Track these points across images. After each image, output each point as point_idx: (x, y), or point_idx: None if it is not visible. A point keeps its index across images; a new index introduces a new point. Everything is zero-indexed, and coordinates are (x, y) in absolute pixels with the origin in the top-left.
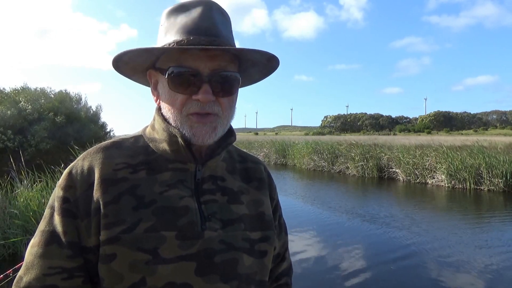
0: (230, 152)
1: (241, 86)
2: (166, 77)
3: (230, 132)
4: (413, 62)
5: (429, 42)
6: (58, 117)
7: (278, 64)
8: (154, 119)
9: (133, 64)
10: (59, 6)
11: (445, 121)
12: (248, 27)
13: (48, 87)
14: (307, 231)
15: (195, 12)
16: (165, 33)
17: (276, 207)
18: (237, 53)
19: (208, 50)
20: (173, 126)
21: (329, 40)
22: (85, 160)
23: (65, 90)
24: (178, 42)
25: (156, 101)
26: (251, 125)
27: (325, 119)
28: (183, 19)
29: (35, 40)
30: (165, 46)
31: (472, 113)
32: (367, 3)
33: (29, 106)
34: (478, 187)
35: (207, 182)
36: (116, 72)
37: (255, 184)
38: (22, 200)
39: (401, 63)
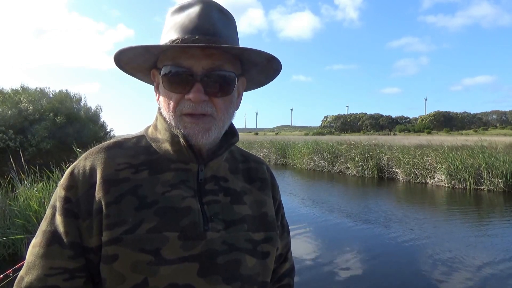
0: (232, 152)
1: (248, 89)
2: (160, 76)
3: (233, 133)
4: (411, 62)
5: (426, 42)
6: (59, 117)
7: (280, 65)
8: (156, 119)
9: (134, 65)
10: (53, 6)
11: (445, 121)
12: (244, 27)
13: (47, 87)
14: (307, 232)
15: (193, 11)
16: (166, 33)
17: (279, 208)
18: (235, 52)
19: (201, 48)
20: (171, 125)
21: (325, 40)
22: (87, 160)
23: (66, 90)
24: (173, 41)
25: (157, 100)
26: (251, 125)
27: (325, 119)
28: (181, 18)
29: (32, 40)
30: (160, 44)
31: (472, 113)
32: (362, 2)
33: (31, 107)
34: (478, 187)
35: (210, 183)
36: (120, 72)
37: (258, 184)
38: (22, 199)
39: (399, 63)
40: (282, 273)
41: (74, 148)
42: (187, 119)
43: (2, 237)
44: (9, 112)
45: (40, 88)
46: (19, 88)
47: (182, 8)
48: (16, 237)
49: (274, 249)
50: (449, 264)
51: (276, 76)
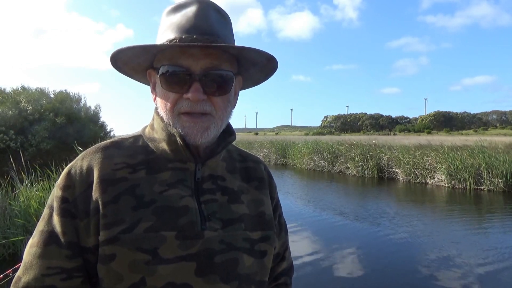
0: (230, 151)
1: (245, 88)
2: (158, 75)
3: (230, 132)
4: (410, 62)
5: (426, 42)
6: (59, 117)
7: (277, 63)
8: (153, 119)
9: (133, 64)
10: (53, 6)
11: (445, 121)
12: (243, 27)
13: (46, 87)
14: (306, 231)
15: (190, 11)
16: (162, 33)
17: (276, 207)
18: (234, 52)
19: (200, 48)
20: (168, 124)
21: (325, 40)
22: (84, 160)
23: (65, 90)
24: (170, 41)
25: (154, 100)
26: (251, 125)
27: (325, 119)
28: (178, 18)
29: (31, 40)
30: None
31: (472, 113)
32: (362, 2)
33: (30, 107)
34: (478, 187)
35: (207, 182)
36: (118, 72)
37: (255, 183)
38: (23, 199)
39: (398, 63)
40: (279, 272)
41: (75, 147)
42: (185, 118)
43: (2, 237)
44: (10, 112)
45: (40, 88)
46: (19, 88)
47: (179, 8)
48: (16, 238)
49: (272, 248)
50: (452, 264)
51: (272, 75)
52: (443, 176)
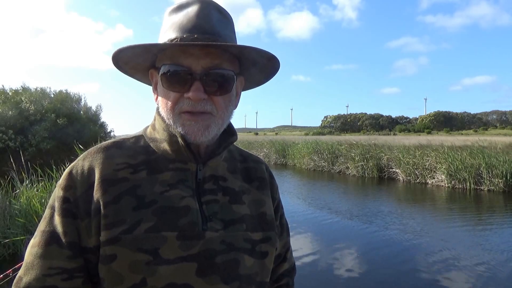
0: (231, 151)
1: (247, 89)
2: (159, 75)
3: (231, 132)
4: (410, 62)
5: (425, 42)
6: (60, 118)
7: (279, 64)
8: (154, 119)
9: (134, 64)
10: (52, 6)
11: (445, 121)
12: (243, 27)
13: (48, 87)
14: (306, 231)
15: (192, 11)
16: (164, 32)
17: (278, 207)
18: (235, 51)
19: (200, 47)
20: (169, 125)
21: (324, 40)
22: (85, 160)
23: (66, 90)
24: (171, 40)
25: (156, 100)
26: (251, 125)
27: (325, 119)
28: (180, 18)
29: (29, 40)
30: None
31: (472, 113)
32: (361, 2)
33: (32, 107)
34: (478, 187)
35: (208, 182)
36: (118, 72)
37: (257, 184)
38: (23, 199)
39: (398, 63)
40: (280, 273)
41: (75, 147)
42: (186, 116)
43: (1, 237)
44: (10, 112)
45: (40, 88)
46: (20, 88)
47: (180, 8)
48: (16, 238)
49: (273, 249)
50: (452, 264)
51: (274, 75)
52: (443, 176)
